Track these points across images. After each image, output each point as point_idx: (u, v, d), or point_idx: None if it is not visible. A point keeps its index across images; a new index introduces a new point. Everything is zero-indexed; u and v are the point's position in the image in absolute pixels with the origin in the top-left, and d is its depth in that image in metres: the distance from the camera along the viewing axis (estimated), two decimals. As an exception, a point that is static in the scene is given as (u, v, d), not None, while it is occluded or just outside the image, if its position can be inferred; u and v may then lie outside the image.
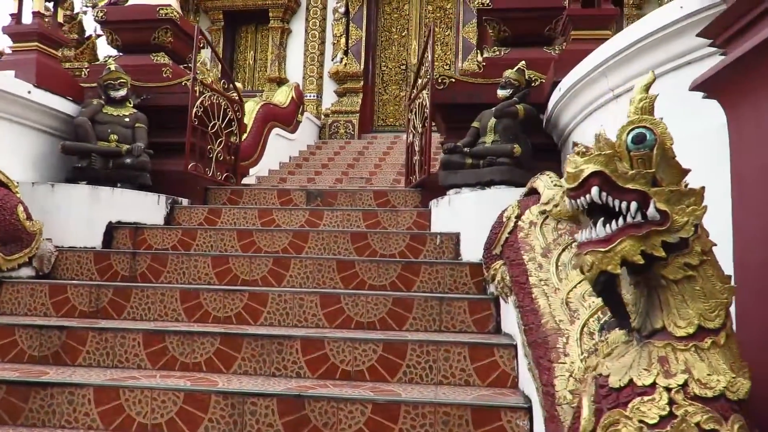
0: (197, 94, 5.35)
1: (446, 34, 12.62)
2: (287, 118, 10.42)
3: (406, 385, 3.11)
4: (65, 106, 5.25)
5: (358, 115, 11.98)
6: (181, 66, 6.21)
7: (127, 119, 5.29)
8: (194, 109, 5.25)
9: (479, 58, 11.69)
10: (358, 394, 2.83)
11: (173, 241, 4.69)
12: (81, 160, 4.99)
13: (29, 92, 4.82)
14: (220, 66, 7.84)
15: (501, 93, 4.89)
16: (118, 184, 4.99)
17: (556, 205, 3.26)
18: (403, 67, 12.63)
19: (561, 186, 3.41)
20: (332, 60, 12.58)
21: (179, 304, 3.78)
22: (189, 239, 4.67)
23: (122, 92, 5.32)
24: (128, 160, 5.01)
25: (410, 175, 5.67)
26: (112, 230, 4.79)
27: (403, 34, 12.75)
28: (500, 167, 4.52)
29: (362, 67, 12.17)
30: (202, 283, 4.18)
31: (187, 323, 3.69)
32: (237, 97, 6.13)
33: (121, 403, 2.88)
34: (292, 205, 5.47)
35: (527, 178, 4.55)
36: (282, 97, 10.58)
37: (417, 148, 5.36)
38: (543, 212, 3.34)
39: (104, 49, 5.98)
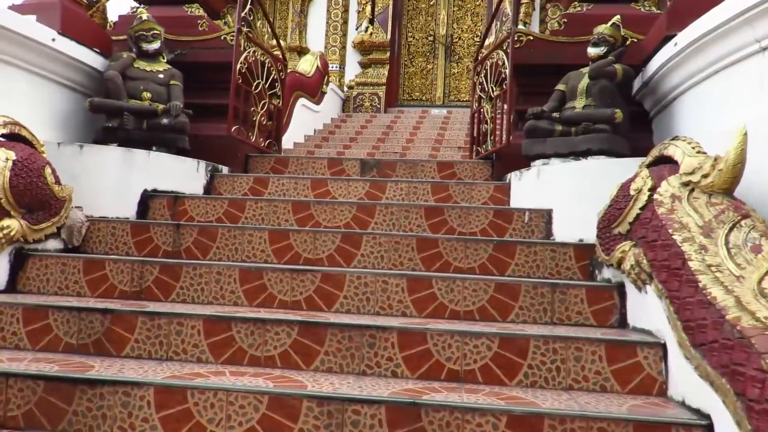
0: (241, 49, 4.74)
1: (477, 3, 11.94)
2: (312, 89, 9.77)
3: (531, 390, 2.55)
4: (92, 58, 4.62)
5: (384, 87, 11.34)
6: (215, 21, 5.59)
7: (161, 75, 4.67)
8: (238, 65, 4.63)
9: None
10: (487, 404, 2.27)
11: (218, 213, 4.10)
12: (111, 119, 4.37)
13: (53, 40, 4.20)
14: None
15: (593, 51, 4.29)
16: (153, 148, 4.38)
17: (705, 176, 2.68)
18: (431, 38, 11.96)
19: (705, 153, 2.84)
20: (356, 29, 11.90)
21: (238, 285, 3.20)
22: (236, 211, 4.08)
23: (156, 45, 4.70)
24: (165, 121, 4.40)
25: (477, 146, 5.08)
26: (147, 199, 4.19)
27: (431, 3, 12.06)
28: (599, 135, 3.94)
29: (389, 36, 11.50)
30: (258, 261, 3.61)
31: (249, 308, 3.12)
32: (281, 56, 5.51)
33: (188, 407, 2.32)
34: (345, 176, 4.87)
35: (627, 148, 3.98)
36: (307, 66, 9.92)
37: (488, 115, 4.76)
38: (686, 184, 2.76)
39: (115, 13, 5.43)
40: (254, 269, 3.21)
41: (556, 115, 4.19)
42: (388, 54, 11.55)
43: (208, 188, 4.60)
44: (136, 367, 2.58)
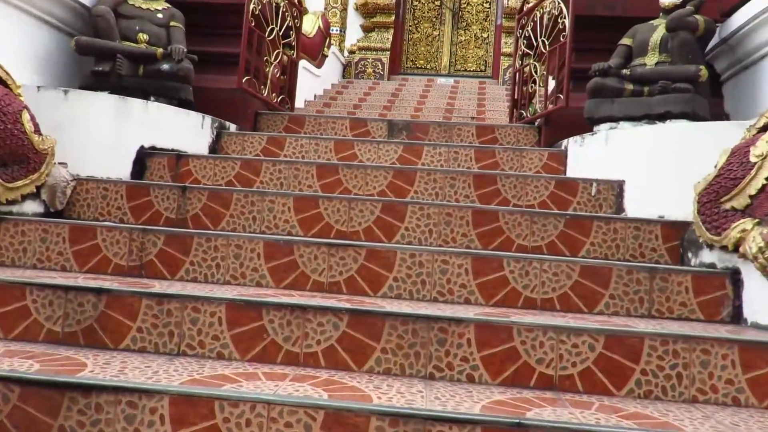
0: (255, -14, 4.08)
1: (487, -33, 11.25)
2: (313, 51, 9.08)
3: (648, 402, 2.01)
4: (78, -9, 3.94)
5: (388, 53, 10.66)
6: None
7: (159, 15, 4.00)
8: (251, 5, 3.97)
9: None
10: (613, 425, 1.71)
11: (228, 176, 3.49)
12: (101, 62, 3.71)
13: (32, -36, 3.51)
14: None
15: (668, 1, 3.70)
16: (152, 98, 3.73)
17: None
18: (438, 3, 11.27)
19: None
20: (359, -10, 11.16)
21: (263, 261, 2.61)
22: (251, 174, 3.47)
23: (154, -22, 4.02)
24: (166, 66, 3.75)
25: (519, 109, 4.49)
26: (144, 157, 3.56)
27: (439, -34, 11.35)
28: (680, 95, 3.37)
29: (394, -1, 10.79)
30: (282, 233, 3.01)
31: (276, 289, 2.54)
32: (297, 1, 4.85)
33: (216, 423, 1.73)
34: (371, 138, 4.27)
35: (709, 112, 3.43)
36: (308, 25, 9.19)
37: (536, 74, 4.17)
38: (827, 150, 2.21)
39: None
40: (284, 243, 2.61)
41: (626, 72, 3.61)
42: (393, 17, 10.85)
43: (215, 147, 3.97)
44: (141, 365, 1.99)
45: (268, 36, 4.22)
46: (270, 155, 3.90)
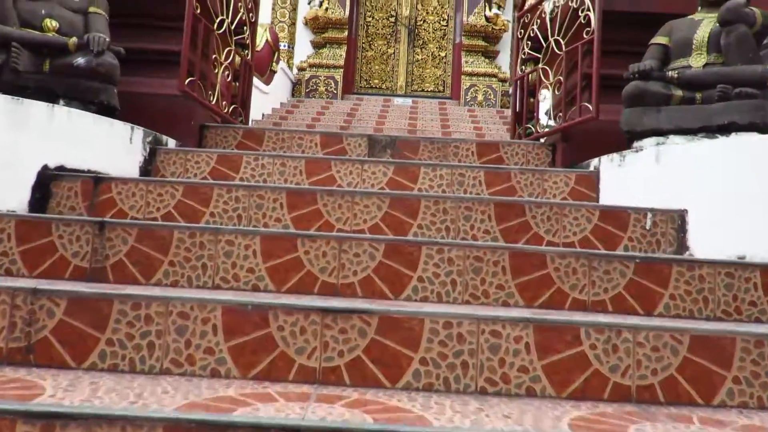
0: (200, -35, 3.21)
1: (444, -17, 10.71)
2: (261, 65, 8.22)
3: None
4: (-38, -38, 2.96)
5: (341, 70, 9.89)
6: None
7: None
8: (196, -12, 3.10)
9: (489, 13, 9.91)
10: None
11: (167, 206, 2.57)
12: (-10, 54, 2.75)
13: None
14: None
15: (713, -9, 3.06)
16: (61, 101, 2.79)
17: None
18: (393, 19, 10.62)
19: None
20: (309, 3, 10.40)
21: (220, 337, 1.72)
22: (198, 203, 2.57)
23: (67, -49, 3.09)
24: (80, 60, 2.82)
25: (525, 123, 3.74)
26: (48, 181, 2.61)
27: (393, -20, 10.73)
28: (746, 102, 2.70)
29: (347, 13, 10.06)
30: (242, 286, 2.13)
31: (241, 385, 1.65)
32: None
33: None
34: (348, 157, 3.43)
35: (778, 124, 2.76)
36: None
37: (549, 80, 3.43)
38: None
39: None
40: (252, 308, 1.73)
41: (673, 74, 2.92)
42: (346, 33, 10.11)
43: (147, 168, 3.04)
44: None
45: (218, 29, 3.34)
46: (222, 178, 3.00)
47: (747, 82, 2.75)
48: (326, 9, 10.02)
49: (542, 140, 3.59)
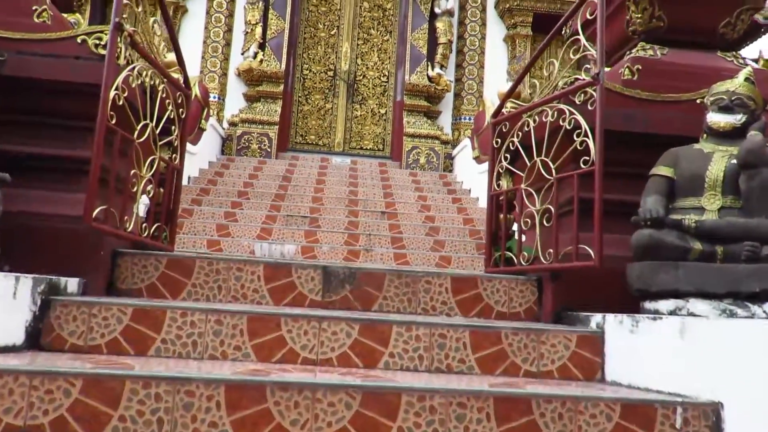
0: (122, 63, 2.54)
1: (385, 39, 10.34)
2: (189, 124, 7.47)
3: None
4: None
5: (276, 127, 9.26)
6: (66, 15, 3.34)
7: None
8: (112, 93, 2.43)
9: (431, 72, 9.59)
10: None
11: (58, 407, 1.87)
12: None
13: None
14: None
15: (724, 120, 2.70)
16: None
17: None
18: (331, 73, 10.13)
19: None
20: (242, 53, 9.76)
21: None
22: (105, 405, 1.88)
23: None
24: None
25: (504, 248, 3.22)
26: None
27: (332, 33, 10.26)
28: (782, 266, 2.29)
29: (283, 66, 9.49)
30: None
31: None
32: (183, 80, 3.34)
33: None
34: (299, 304, 2.81)
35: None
36: (182, 93, 7.63)
37: (535, 207, 2.92)
38: None
39: None
40: None
41: (689, 223, 2.49)
42: (282, 87, 9.52)
43: (37, 328, 2.32)
44: None
45: (138, 137, 2.68)
46: (139, 341, 2.31)
47: (777, 239, 2.36)
48: (261, 61, 9.41)
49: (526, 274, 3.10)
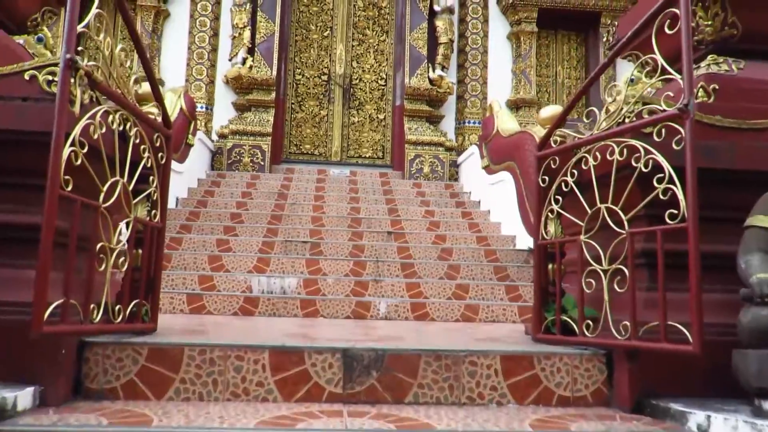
0: (80, 107, 1.95)
1: (381, 39, 9.75)
2: (175, 140, 6.86)
3: None
4: None
5: (269, 138, 8.66)
6: (16, 39, 2.76)
7: None
8: (67, 150, 1.85)
9: (432, 74, 9.02)
10: None
11: None
12: None
13: None
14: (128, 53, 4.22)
15: (843, 159, 2.14)
16: None
17: None
18: (326, 77, 9.53)
19: None
20: (230, 60, 9.15)
21: None
22: None
23: None
24: None
25: (560, 312, 2.65)
26: None
27: (325, 34, 9.66)
28: None
29: (274, 72, 8.88)
30: None
31: None
32: (162, 118, 2.74)
33: None
34: (315, 393, 2.25)
35: None
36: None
37: (603, 268, 2.36)
38: None
39: None
40: None
41: (819, 299, 1.95)
42: (274, 95, 8.91)
43: (-28, 476, 1.74)
44: None
45: (105, 201, 2.07)
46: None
47: None
48: (251, 67, 8.80)
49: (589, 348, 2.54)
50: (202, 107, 8.91)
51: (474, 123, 9.41)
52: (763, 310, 1.93)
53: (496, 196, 7.17)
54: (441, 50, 9.31)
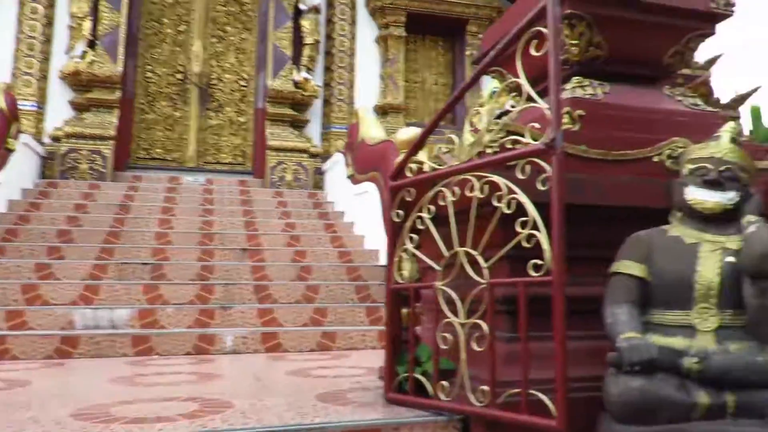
0: None
1: (243, 37, 9.10)
2: (-10, 144, 5.92)
3: None
4: None
5: (112, 143, 7.75)
6: None
7: None
8: None
9: (297, 77, 8.55)
10: None
11: None
12: None
13: None
14: None
15: (712, 200, 1.96)
16: None
17: None
18: (180, 75, 8.75)
19: None
20: (67, 53, 8.12)
21: None
22: None
23: None
24: None
25: (412, 364, 2.26)
26: None
27: (180, 29, 8.86)
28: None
29: (120, 68, 7.98)
30: None
31: None
32: None
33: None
34: None
35: None
36: (-20, 105, 6.02)
37: (459, 317, 2.01)
38: None
39: None
40: None
41: (691, 363, 1.71)
42: (119, 94, 8.01)
43: None
44: None
45: None
46: None
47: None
48: (91, 62, 7.83)
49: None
50: (33, 106, 7.82)
51: (341, 128, 9.03)
52: (634, 381, 1.66)
53: (360, 208, 6.82)
54: (307, 51, 8.84)
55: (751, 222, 1.86)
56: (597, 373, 1.95)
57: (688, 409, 1.66)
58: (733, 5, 2.68)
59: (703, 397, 1.68)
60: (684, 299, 1.88)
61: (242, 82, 8.99)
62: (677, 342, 1.83)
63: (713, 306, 1.85)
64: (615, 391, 1.69)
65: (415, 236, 2.32)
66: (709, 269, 1.87)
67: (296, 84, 8.65)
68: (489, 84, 5.85)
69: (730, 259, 1.86)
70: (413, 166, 2.36)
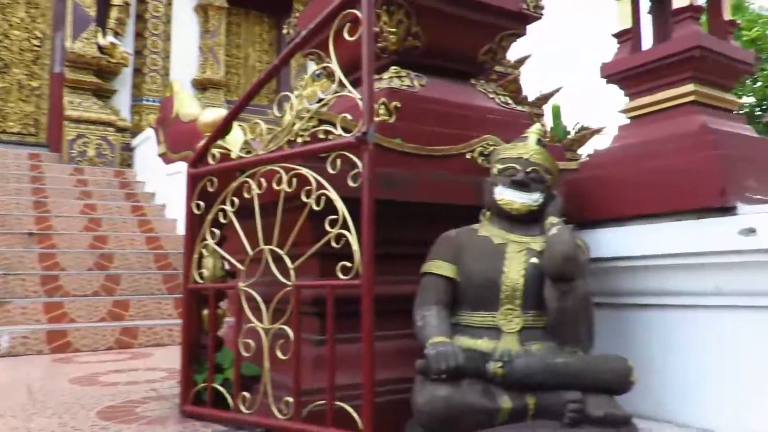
0: None
1: (36, -9, 8.02)
2: None
3: None
4: None
5: None
6: None
7: None
8: None
9: (103, 41, 7.74)
10: None
11: None
12: None
13: None
14: None
15: (520, 200, 1.97)
16: None
17: None
18: (-45, 28, 7.49)
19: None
20: None
21: None
22: None
23: None
24: None
25: (205, 374, 2.01)
26: None
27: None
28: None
29: None
30: None
31: None
32: None
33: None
34: None
35: None
36: None
37: (263, 322, 1.81)
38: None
39: None
40: None
41: (496, 368, 1.69)
42: None
43: None
44: None
45: None
46: None
47: (607, 385, 1.69)
48: None
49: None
50: None
51: (154, 101, 8.35)
52: (440, 390, 1.60)
53: (173, 190, 6.32)
54: (114, 13, 8.01)
55: (553, 224, 1.90)
56: (407, 375, 1.88)
57: (493, 415, 1.64)
58: (542, 8, 2.76)
59: (506, 402, 1.67)
60: (491, 300, 1.87)
61: (35, 41, 7.93)
62: (483, 344, 1.81)
63: (518, 307, 1.85)
64: (421, 400, 1.62)
65: (217, 231, 2.08)
66: (514, 270, 1.88)
67: (101, 49, 7.80)
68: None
69: (534, 260, 1.88)
70: (216, 152, 2.11)
